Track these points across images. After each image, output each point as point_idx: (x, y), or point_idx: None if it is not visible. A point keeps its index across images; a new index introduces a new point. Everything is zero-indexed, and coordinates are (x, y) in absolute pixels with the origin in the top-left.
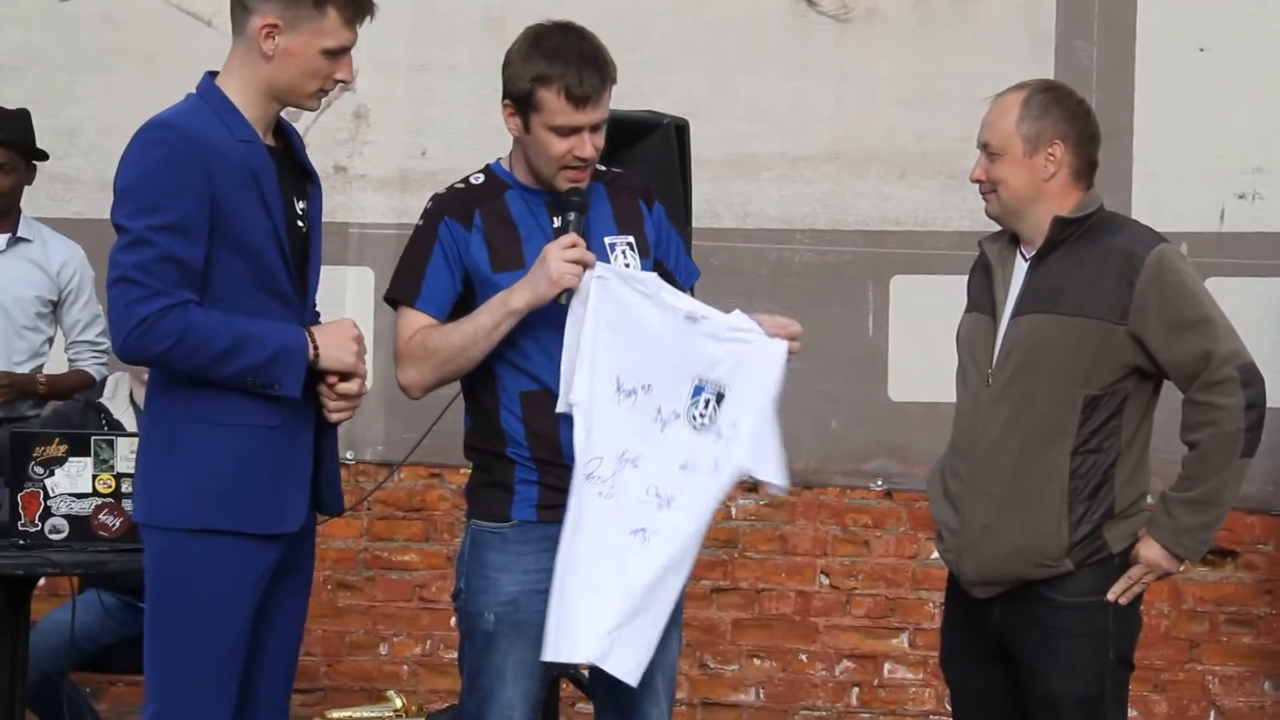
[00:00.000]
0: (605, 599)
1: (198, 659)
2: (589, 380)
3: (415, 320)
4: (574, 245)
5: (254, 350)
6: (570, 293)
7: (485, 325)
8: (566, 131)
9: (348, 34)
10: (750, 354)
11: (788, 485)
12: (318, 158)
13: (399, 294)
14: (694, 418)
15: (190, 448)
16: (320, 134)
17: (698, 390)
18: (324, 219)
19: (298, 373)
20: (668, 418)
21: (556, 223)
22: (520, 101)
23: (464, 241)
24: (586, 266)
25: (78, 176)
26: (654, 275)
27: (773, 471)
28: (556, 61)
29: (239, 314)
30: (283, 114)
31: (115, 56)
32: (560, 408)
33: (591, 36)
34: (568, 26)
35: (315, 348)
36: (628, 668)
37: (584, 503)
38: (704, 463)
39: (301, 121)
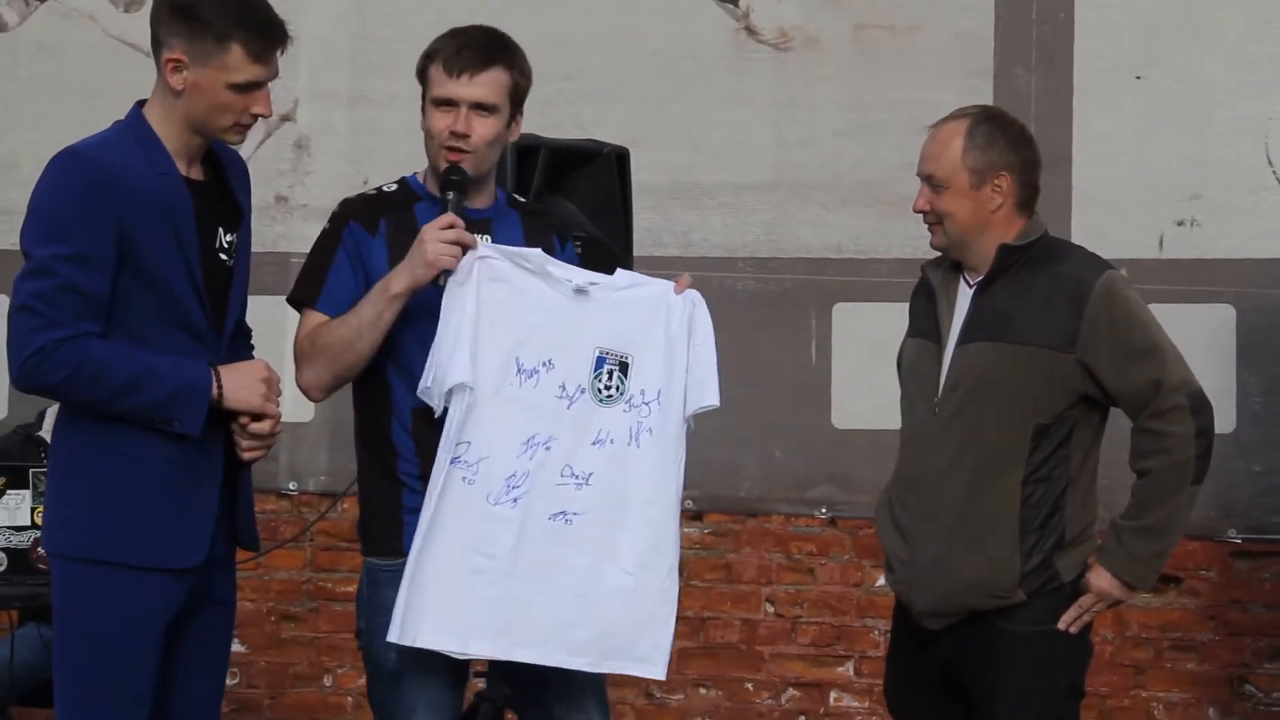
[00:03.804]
0: (469, 585)
1: (101, 691)
2: (472, 364)
3: (312, 321)
4: (451, 225)
5: (154, 387)
6: (449, 274)
7: (369, 316)
8: (444, 103)
9: (256, 69)
10: (643, 305)
11: (718, 401)
12: (259, 188)
13: (301, 295)
14: (598, 391)
15: (90, 478)
16: (261, 164)
17: (599, 363)
18: (266, 249)
19: (198, 411)
20: (573, 394)
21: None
22: (421, 87)
23: (366, 246)
24: (466, 248)
25: (15, 209)
26: (538, 250)
27: (699, 400)
28: (446, 39)
29: (147, 347)
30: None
31: (53, 88)
32: (419, 390)
33: (498, 34)
34: (481, 24)
35: (220, 387)
36: (502, 650)
37: (446, 486)
38: (618, 434)
39: (242, 151)
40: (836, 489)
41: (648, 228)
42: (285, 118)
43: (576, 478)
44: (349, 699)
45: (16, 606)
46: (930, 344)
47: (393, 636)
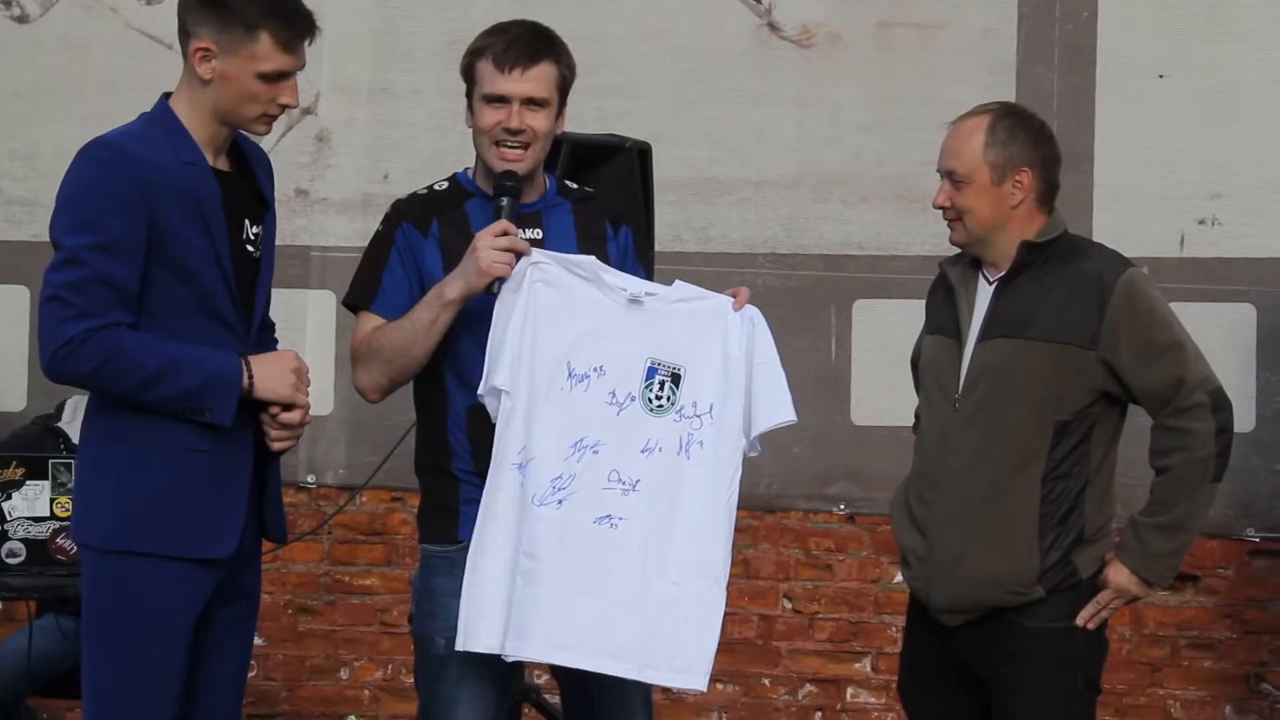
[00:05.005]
0: (515, 586)
1: (131, 682)
2: (524, 369)
3: (370, 323)
4: (504, 232)
5: (185, 376)
6: (501, 281)
7: (424, 320)
8: (495, 99)
9: (285, 58)
10: (700, 319)
11: (793, 416)
12: (279, 181)
13: (356, 298)
14: (649, 400)
15: (121, 468)
16: (282, 157)
17: (651, 373)
18: (286, 242)
19: (229, 401)
20: (623, 401)
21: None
22: (467, 84)
23: (419, 247)
24: (519, 254)
25: (37, 200)
26: (591, 258)
27: (774, 417)
28: (493, 35)
29: (177, 337)
30: (252, 137)
31: (75, 80)
32: (479, 392)
33: (543, 27)
34: (523, 19)
35: (251, 377)
36: (550, 651)
37: (497, 487)
38: (668, 443)
39: (263, 143)
40: (855, 485)
41: (669, 223)
42: (306, 110)
43: (624, 483)
44: (366, 692)
45: (35, 597)
46: (950, 340)
47: (458, 646)
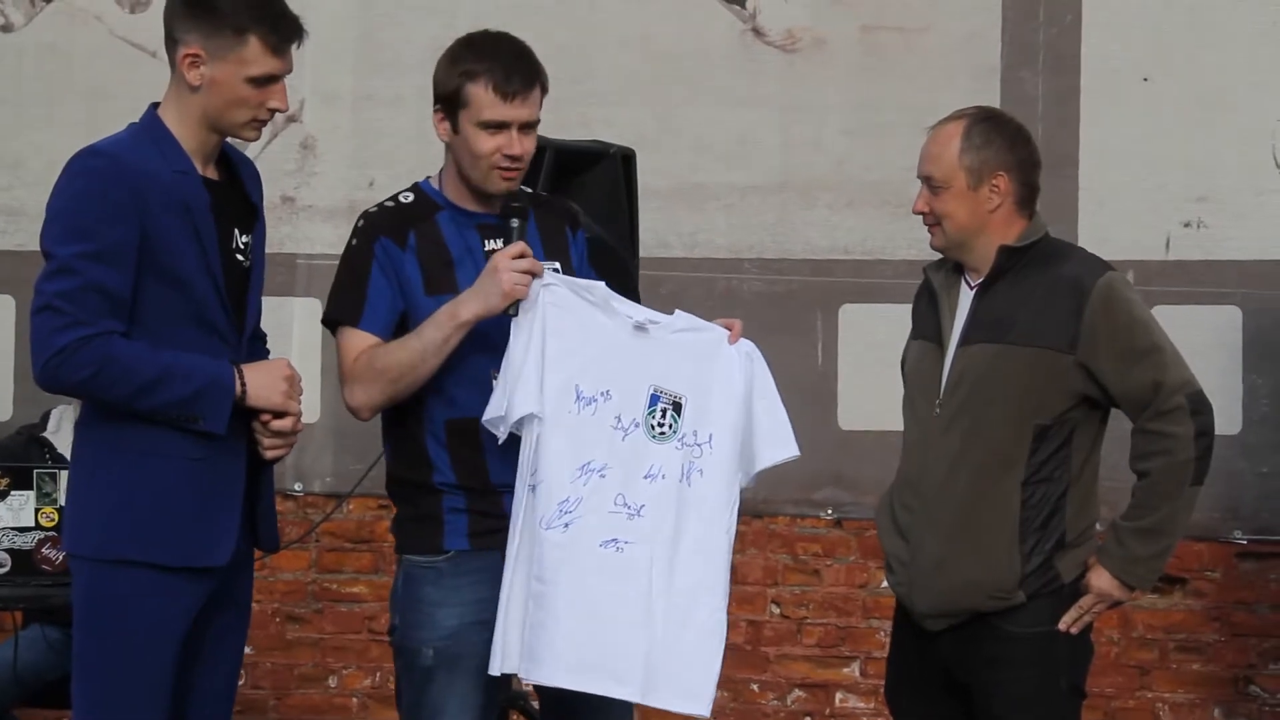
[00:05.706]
0: (528, 609)
1: (122, 692)
2: (539, 394)
3: (359, 340)
4: (522, 254)
5: (178, 385)
6: (519, 304)
7: (434, 340)
8: (495, 126)
9: (274, 62)
10: (698, 351)
11: (796, 451)
12: (264, 188)
13: (339, 315)
14: (651, 427)
15: (113, 477)
16: (267, 165)
17: (654, 400)
18: (272, 250)
19: (222, 409)
20: (627, 426)
21: (488, 246)
22: (449, 102)
23: (399, 260)
24: (535, 275)
25: (22, 209)
26: (601, 284)
27: (778, 453)
28: (484, 58)
29: (169, 345)
30: (238, 146)
31: (60, 88)
32: (485, 420)
33: (524, 45)
34: (497, 32)
35: (243, 385)
36: (557, 675)
37: (520, 510)
38: (670, 470)
39: (248, 151)
40: (842, 490)
41: (653, 229)
42: (291, 118)
43: (629, 508)
44: (354, 700)
45: (20, 608)
46: (932, 345)
47: (491, 669)
